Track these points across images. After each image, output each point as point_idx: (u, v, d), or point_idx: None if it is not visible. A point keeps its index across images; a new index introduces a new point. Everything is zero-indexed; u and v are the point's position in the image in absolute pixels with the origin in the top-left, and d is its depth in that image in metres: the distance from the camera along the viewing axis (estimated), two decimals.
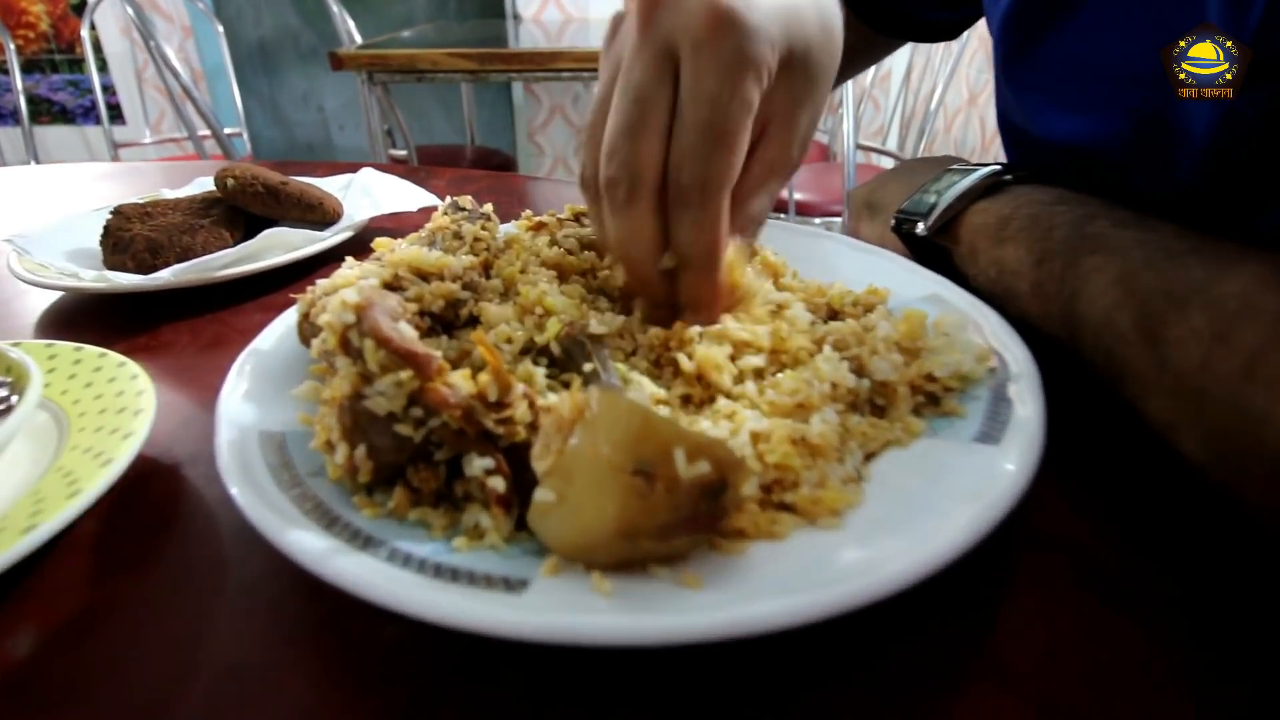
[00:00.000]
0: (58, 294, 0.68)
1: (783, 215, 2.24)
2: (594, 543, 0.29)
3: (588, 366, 0.38)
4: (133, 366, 0.48)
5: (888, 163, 2.76)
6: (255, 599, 0.35)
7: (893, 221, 0.62)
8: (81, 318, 0.64)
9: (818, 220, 2.26)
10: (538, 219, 0.55)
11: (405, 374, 0.32)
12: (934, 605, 0.33)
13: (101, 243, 0.67)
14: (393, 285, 0.41)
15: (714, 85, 0.36)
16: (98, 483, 0.37)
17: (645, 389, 0.38)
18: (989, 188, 0.57)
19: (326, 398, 0.37)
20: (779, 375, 0.41)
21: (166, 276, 0.60)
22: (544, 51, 2.07)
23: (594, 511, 0.29)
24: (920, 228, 0.59)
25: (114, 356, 0.49)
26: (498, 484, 0.32)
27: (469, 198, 0.52)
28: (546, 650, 0.29)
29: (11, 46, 2.64)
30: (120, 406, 0.44)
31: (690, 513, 0.29)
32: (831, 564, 0.30)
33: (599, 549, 0.29)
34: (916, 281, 0.53)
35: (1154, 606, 0.33)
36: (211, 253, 0.64)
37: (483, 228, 0.49)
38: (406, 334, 0.33)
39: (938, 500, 0.33)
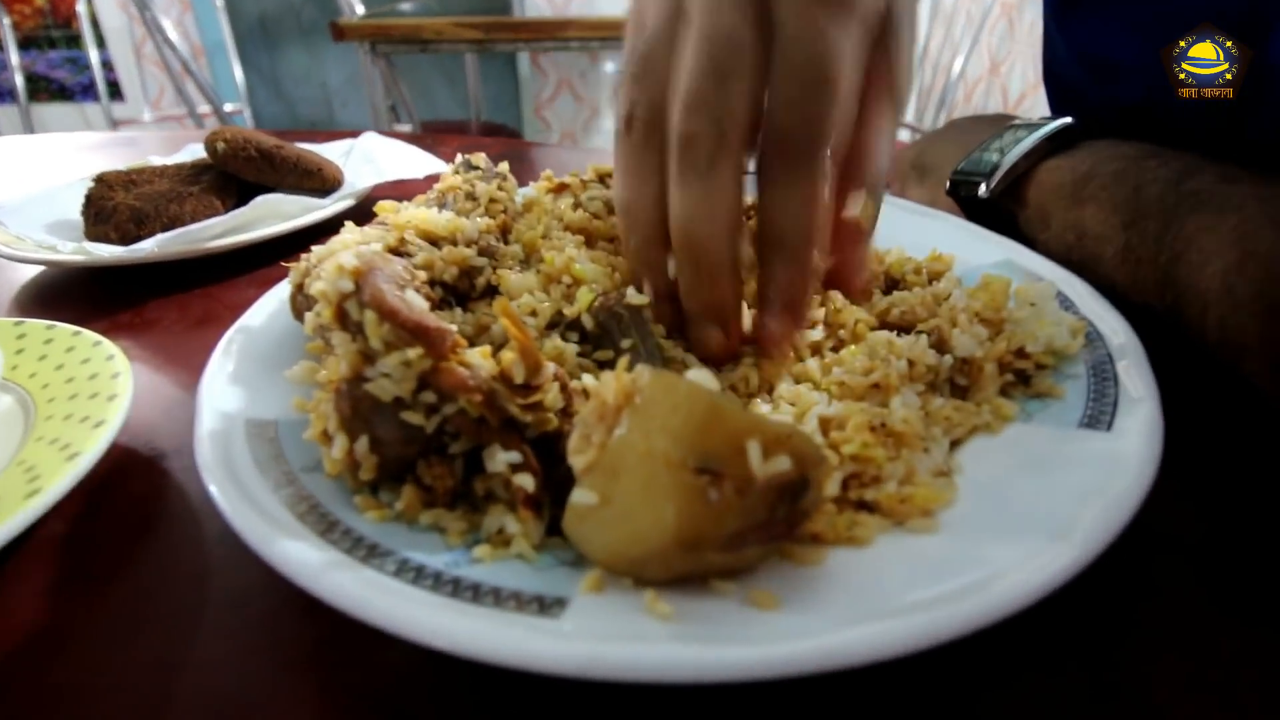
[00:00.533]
0: (36, 268, 0.63)
1: None
2: (647, 554, 0.24)
3: (626, 343, 0.32)
4: (109, 346, 0.42)
5: (904, 135, 2.68)
6: (242, 616, 0.30)
7: (948, 184, 0.56)
8: (60, 293, 0.59)
9: None
10: (559, 180, 0.49)
11: (414, 352, 0.27)
12: (1047, 623, 0.28)
13: (83, 213, 0.62)
14: (398, 251, 0.36)
15: (821, 27, 0.30)
16: (61, 480, 0.32)
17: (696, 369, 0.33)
18: (1060, 144, 0.51)
19: (323, 380, 0.31)
20: (843, 352, 0.36)
21: (150, 247, 0.54)
22: (551, 20, 2.00)
23: (649, 517, 0.24)
24: (982, 189, 0.53)
25: (89, 335, 0.44)
26: (526, 482, 0.27)
27: (482, 155, 0.46)
28: (590, 687, 0.24)
29: (7, 22, 2.58)
30: (93, 391, 0.39)
31: (765, 518, 0.24)
32: (933, 577, 0.25)
33: (653, 562, 0.24)
34: (984, 246, 0.47)
35: None
36: (200, 220, 0.59)
37: (499, 188, 0.43)
38: (415, 304, 0.28)
39: (1047, 497, 0.28)
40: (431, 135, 0.98)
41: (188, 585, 0.32)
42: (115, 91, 3.29)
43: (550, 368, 0.28)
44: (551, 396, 0.28)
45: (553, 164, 0.90)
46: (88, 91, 3.34)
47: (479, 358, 0.28)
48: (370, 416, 0.27)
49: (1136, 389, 0.33)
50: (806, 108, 0.31)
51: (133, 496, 0.37)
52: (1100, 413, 0.32)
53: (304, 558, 0.25)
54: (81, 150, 1.08)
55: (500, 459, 0.27)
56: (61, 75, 3.40)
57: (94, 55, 2.68)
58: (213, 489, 0.28)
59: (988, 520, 0.28)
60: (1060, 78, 0.63)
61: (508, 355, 0.28)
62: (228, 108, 2.70)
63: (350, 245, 0.36)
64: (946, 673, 0.26)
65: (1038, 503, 0.28)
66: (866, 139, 0.34)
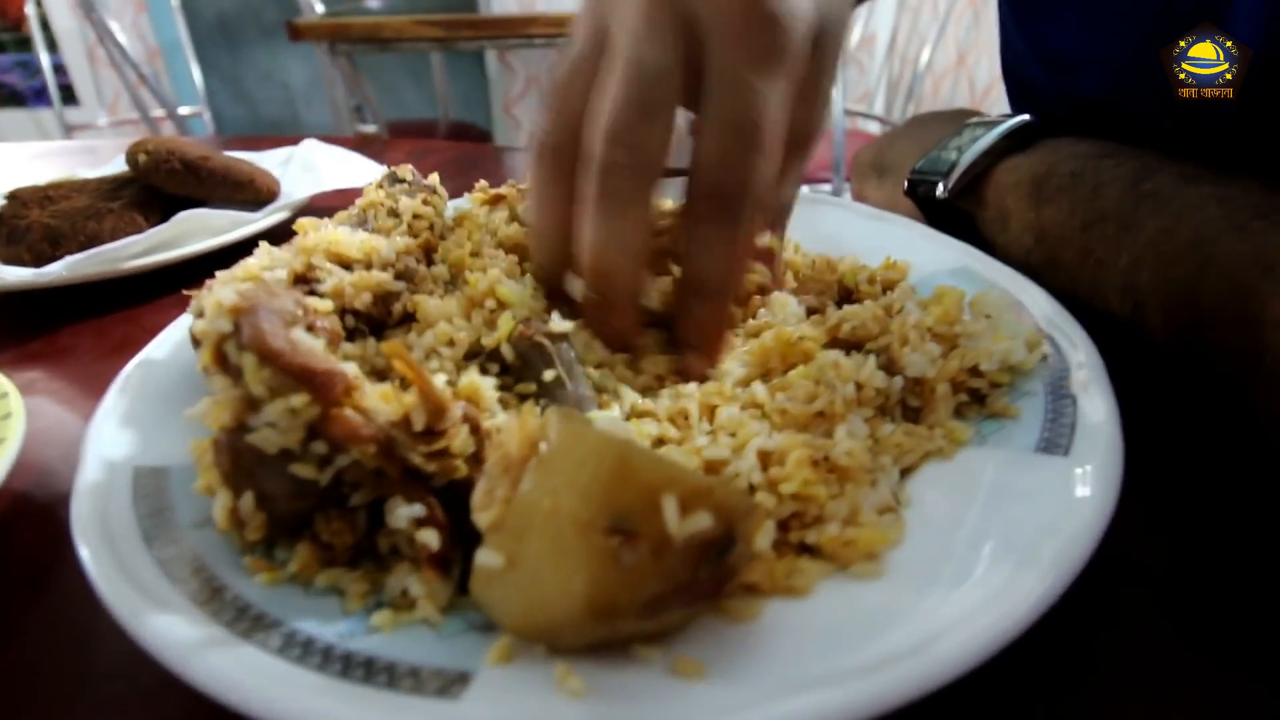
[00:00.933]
0: None
1: None
2: (558, 623, 0.21)
3: (548, 374, 0.30)
4: (2, 383, 0.39)
5: (874, 127, 2.67)
6: (128, 688, 0.27)
7: (905, 184, 0.54)
8: None
9: (805, 188, 2.16)
10: (494, 191, 0.47)
11: (300, 398, 0.24)
12: (1008, 659, 0.26)
13: None
14: (305, 277, 0.33)
15: (753, 82, 0.31)
16: None
17: (625, 401, 0.30)
18: (1019, 141, 0.50)
19: (212, 426, 0.28)
20: (790, 374, 0.33)
21: (58, 270, 0.51)
22: (515, 17, 1.97)
23: (556, 583, 0.21)
24: (940, 189, 0.51)
25: None
26: (430, 539, 0.24)
27: (409, 167, 0.43)
28: None
29: None
30: None
31: (687, 579, 0.21)
32: (875, 634, 0.23)
33: (565, 630, 0.22)
34: (941, 252, 0.45)
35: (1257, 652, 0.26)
36: (119, 241, 0.55)
37: (424, 202, 0.40)
38: (303, 345, 0.25)
39: (1001, 532, 0.26)
40: (383, 139, 0.94)
41: (74, 652, 0.29)
42: (69, 96, 3.20)
43: (458, 409, 0.26)
44: (460, 442, 0.25)
45: (516, 170, 0.87)
46: (40, 96, 3.24)
47: (378, 401, 0.25)
48: (254, 470, 0.25)
49: (1095, 411, 0.31)
50: (736, 160, 0.31)
51: (22, 548, 0.34)
52: (1059, 435, 0.30)
53: (176, 635, 0.22)
54: (26, 160, 1.03)
55: (402, 514, 0.24)
56: (12, 80, 3.30)
57: (45, 59, 2.60)
58: (83, 552, 0.25)
59: (936, 563, 0.25)
60: (1018, 74, 0.62)
61: (408, 399, 0.25)
62: (185, 110, 2.63)
63: (255, 274, 0.33)
64: None
65: (990, 541, 0.26)
66: (779, 185, 0.35)
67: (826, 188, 2.13)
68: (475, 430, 0.26)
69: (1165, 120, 0.46)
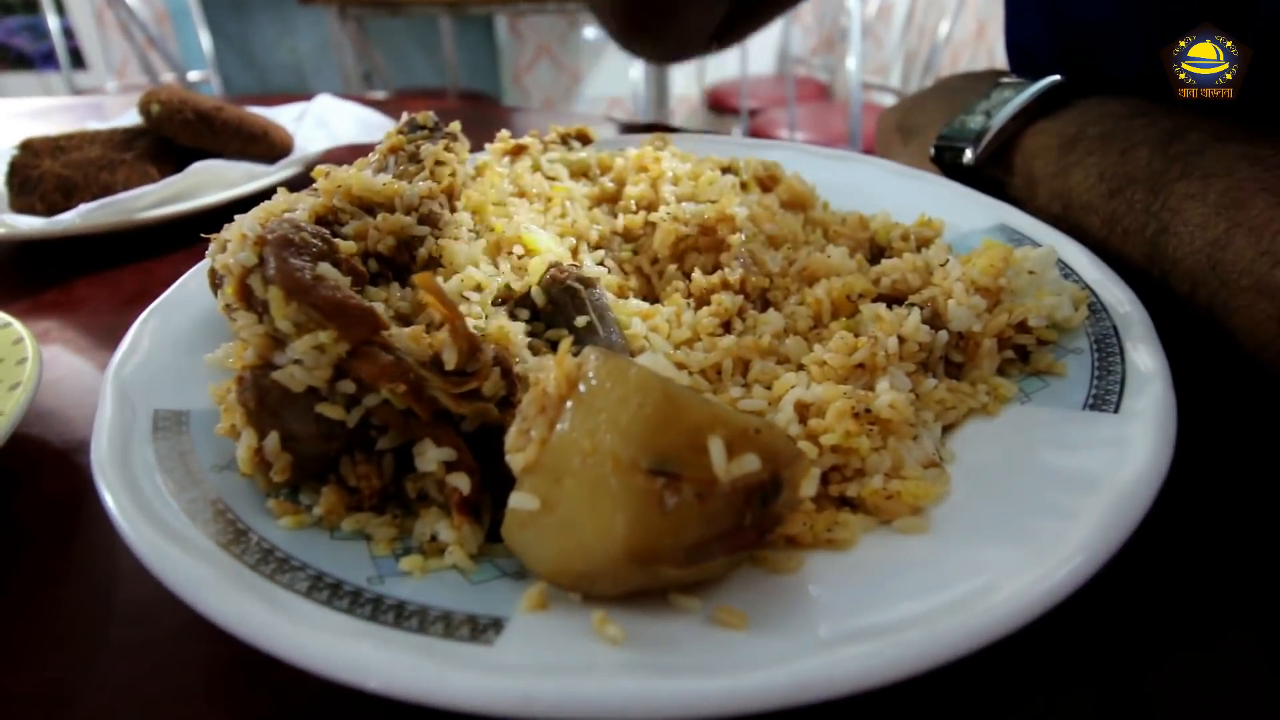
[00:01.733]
0: None
1: None
2: (595, 569, 0.21)
3: (581, 320, 0.29)
4: (16, 329, 0.38)
5: (890, 100, 2.62)
6: (147, 633, 0.26)
7: (932, 150, 0.52)
8: None
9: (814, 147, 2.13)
10: (516, 141, 0.45)
11: (328, 335, 0.23)
12: (1051, 629, 0.25)
13: (7, 182, 0.57)
14: (327, 219, 0.32)
15: None
16: None
17: (658, 351, 0.29)
18: (1049, 104, 0.48)
19: (234, 367, 0.28)
20: (831, 325, 0.32)
21: (72, 219, 0.50)
22: None
23: (594, 527, 0.20)
24: (968, 155, 0.49)
25: None
26: (461, 483, 0.23)
27: (429, 113, 0.42)
28: None
29: None
30: None
31: (731, 525, 0.20)
32: (924, 587, 0.22)
33: (602, 576, 0.21)
34: (976, 209, 0.44)
35: None
36: (132, 191, 0.54)
37: (446, 148, 0.39)
38: (330, 279, 0.24)
39: (1049, 490, 0.25)
40: (396, 100, 0.93)
41: (93, 597, 0.28)
42: (78, 60, 3.17)
43: (490, 351, 0.25)
44: (491, 384, 0.24)
45: (526, 128, 0.85)
46: (49, 60, 3.21)
47: (407, 341, 0.24)
48: (280, 409, 0.24)
49: (1145, 365, 0.29)
50: None
51: (41, 495, 0.33)
52: (1106, 392, 0.29)
53: (202, 576, 0.22)
54: (21, 118, 1.02)
55: (431, 456, 0.24)
56: (20, 43, 3.26)
57: (53, 22, 2.58)
58: (105, 494, 0.25)
59: (984, 518, 0.25)
60: (1025, 49, 0.60)
61: (439, 337, 0.24)
62: (194, 76, 2.60)
63: (274, 213, 0.32)
64: (941, 694, 0.23)
65: (1040, 497, 0.25)
66: None
67: None
68: (506, 374, 0.25)
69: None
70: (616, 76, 2.59)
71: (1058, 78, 0.48)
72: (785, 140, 2.04)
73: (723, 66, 2.97)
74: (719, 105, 2.51)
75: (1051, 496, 0.24)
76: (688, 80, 2.66)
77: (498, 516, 0.24)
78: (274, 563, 0.23)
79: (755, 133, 2.19)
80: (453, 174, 0.38)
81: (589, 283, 0.29)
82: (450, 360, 0.23)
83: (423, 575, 0.23)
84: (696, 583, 0.22)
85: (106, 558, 0.30)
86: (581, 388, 0.21)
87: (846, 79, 2.06)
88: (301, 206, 0.32)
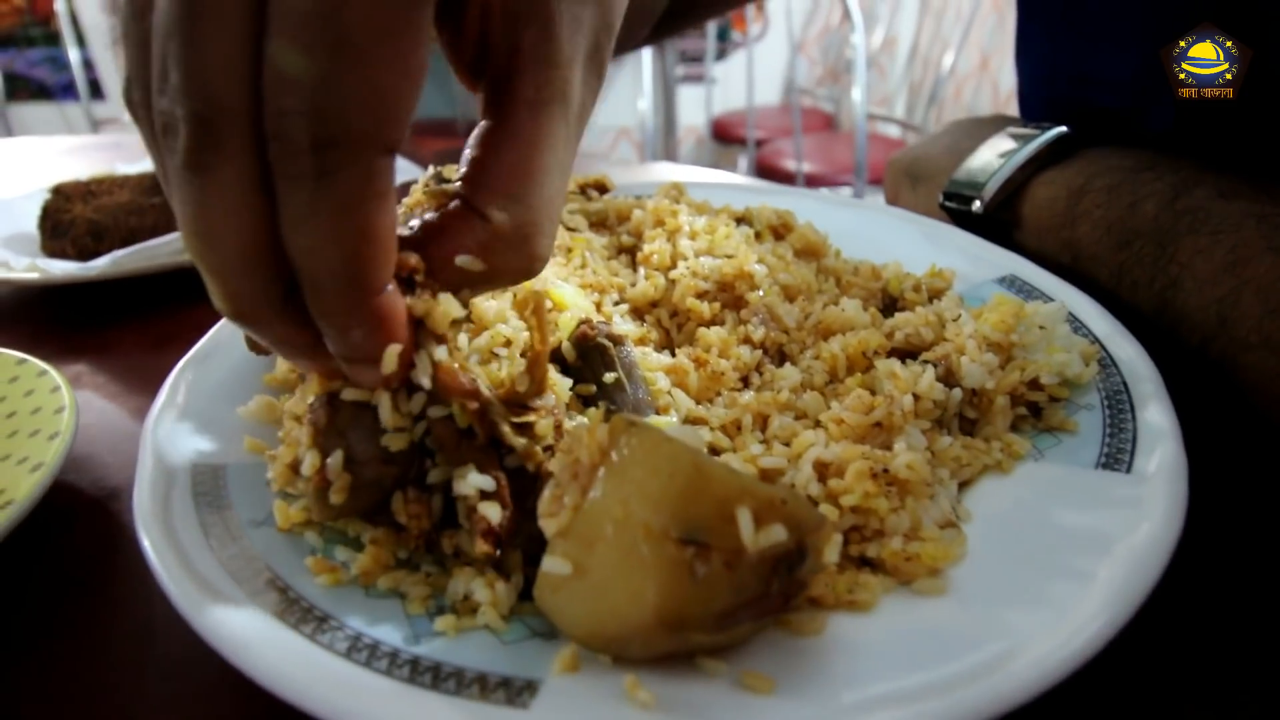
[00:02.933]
0: None
1: (788, 187, 2.14)
2: (626, 633, 0.21)
3: (609, 376, 0.30)
4: (54, 377, 0.39)
5: (894, 131, 2.65)
6: (183, 687, 0.27)
7: (941, 196, 0.53)
8: (14, 311, 0.56)
9: (825, 191, 2.16)
10: None
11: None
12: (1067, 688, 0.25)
13: (40, 225, 0.59)
14: None
15: None
16: None
17: (682, 407, 0.30)
18: (1056, 153, 0.49)
19: (290, 412, 0.29)
20: (848, 381, 0.33)
21: (103, 265, 0.51)
22: None
23: (626, 593, 0.21)
24: (976, 205, 0.50)
25: (34, 364, 0.41)
26: (490, 512, 0.24)
27: (454, 168, 0.43)
28: None
29: None
30: (34, 428, 0.36)
31: (758, 592, 0.21)
32: (945, 652, 0.22)
33: (632, 640, 0.22)
34: (985, 260, 0.45)
35: None
36: (161, 237, 0.56)
37: None
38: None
39: (1065, 551, 0.25)
40: (410, 138, 0.94)
41: (128, 648, 0.29)
42: (96, 90, 3.23)
43: (551, 398, 0.26)
44: (545, 425, 0.25)
45: None
46: (68, 91, 3.28)
47: (480, 371, 0.25)
48: (347, 430, 0.25)
49: (1156, 423, 0.30)
50: (317, 89, 0.19)
51: (76, 543, 0.34)
52: (1118, 451, 0.30)
53: (244, 633, 0.23)
54: (57, 155, 1.04)
55: (471, 481, 0.24)
56: (41, 74, 3.33)
57: (74, 54, 2.63)
58: (148, 550, 0.26)
59: (1001, 579, 0.25)
60: (1038, 104, 0.61)
61: (513, 369, 0.25)
62: None
63: None
64: None
65: (1056, 559, 0.25)
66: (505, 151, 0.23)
67: (847, 191, 2.12)
68: (558, 427, 0.26)
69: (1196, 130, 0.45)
70: (624, 107, 2.64)
71: (1064, 129, 0.49)
72: (792, 166, 2.06)
73: (729, 97, 3.02)
74: (725, 135, 2.55)
75: (1067, 558, 0.25)
76: (695, 110, 2.69)
77: (528, 575, 0.25)
78: (314, 622, 0.24)
79: (762, 163, 2.21)
80: None
81: (618, 340, 0.30)
82: (523, 386, 0.25)
83: (456, 634, 0.24)
84: (724, 646, 0.22)
85: (143, 607, 0.30)
86: (614, 456, 0.22)
87: (851, 109, 2.09)
88: None
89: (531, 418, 0.25)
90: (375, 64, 0.19)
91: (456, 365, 0.24)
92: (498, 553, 0.25)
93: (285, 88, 0.19)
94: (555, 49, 0.23)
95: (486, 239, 0.23)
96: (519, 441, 0.25)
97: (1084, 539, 0.26)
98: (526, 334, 0.32)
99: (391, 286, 0.22)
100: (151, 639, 0.29)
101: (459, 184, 0.24)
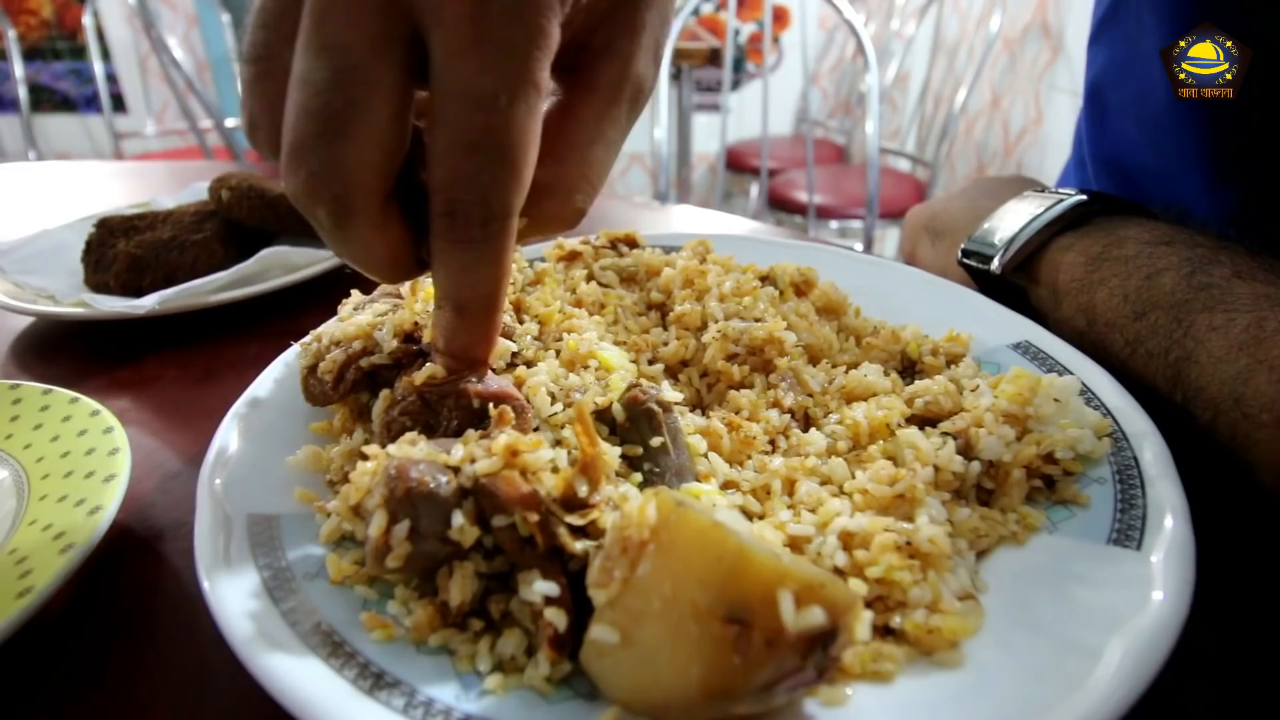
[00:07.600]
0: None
1: (799, 217, 2.17)
2: (669, 701, 0.23)
3: (656, 441, 0.31)
4: (106, 417, 0.41)
5: (904, 165, 2.69)
6: None
7: (959, 253, 0.55)
8: (58, 344, 0.58)
9: (835, 224, 2.19)
10: (570, 247, 0.49)
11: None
12: None
13: (83, 259, 0.61)
14: (412, 334, 0.35)
15: (490, 83, 0.25)
16: (53, 576, 0.31)
17: (719, 472, 0.32)
18: (1074, 218, 0.51)
19: (369, 453, 0.30)
20: (871, 449, 0.35)
21: (151, 303, 0.53)
22: None
23: (671, 665, 0.22)
24: (995, 264, 0.52)
25: (86, 404, 0.42)
26: (558, 620, 0.25)
27: None
28: None
29: (12, 34, 2.58)
30: (89, 469, 0.38)
31: (795, 668, 0.23)
32: None
33: (674, 708, 0.23)
34: (1001, 324, 0.47)
35: None
36: (202, 270, 0.58)
37: None
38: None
39: (1076, 626, 0.27)
40: None
41: (182, 692, 0.30)
42: (119, 104, 3.29)
43: (609, 489, 0.27)
44: (605, 519, 0.27)
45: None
46: (91, 103, 3.34)
47: (547, 472, 0.27)
48: (418, 503, 0.26)
49: (1165, 501, 0.32)
50: (472, 179, 0.26)
51: (128, 585, 0.36)
52: (1129, 528, 0.31)
53: (311, 690, 0.24)
54: (98, 180, 1.07)
55: (538, 589, 0.26)
56: (65, 86, 3.39)
57: (99, 67, 2.68)
58: (218, 612, 0.27)
59: (1015, 653, 0.27)
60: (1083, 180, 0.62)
61: (566, 472, 0.27)
62: (230, 123, 2.69)
63: (365, 330, 0.35)
64: None
65: (1065, 633, 0.27)
66: (575, 153, 0.30)
67: (858, 224, 2.15)
68: (616, 508, 0.27)
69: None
70: (639, 133, 2.68)
71: (1083, 196, 0.51)
72: (804, 197, 2.09)
73: (742, 126, 3.05)
74: (738, 165, 2.58)
75: (1078, 634, 0.26)
76: (709, 138, 2.73)
77: (577, 639, 0.27)
78: (370, 678, 0.25)
79: (774, 193, 2.24)
80: (513, 283, 0.41)
81: (666, 407, 0.32)
82: (581, 488, 0.26)
83: (504, 694, 0.25)
84: (760, 714, 0.24)
85: (192, 651, 0.32)
86: (663, 535, 0.23)
87: (863, 142, 2.11)
88: (385, 323, 0.35)
89: (593, 515, 0.27)
90: (525, 166, 0.27)
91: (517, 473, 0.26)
92: (566, 660, 0.26)
93: (460, 185, 0.26)
94: (633, 46, 0.30)
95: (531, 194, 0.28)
96: (578, 549, 0.26)
97: (1094, 615, 0.27)
98: (578, 395, 0.34)
99: None
100: (205, 681, 0.31)
101: None
